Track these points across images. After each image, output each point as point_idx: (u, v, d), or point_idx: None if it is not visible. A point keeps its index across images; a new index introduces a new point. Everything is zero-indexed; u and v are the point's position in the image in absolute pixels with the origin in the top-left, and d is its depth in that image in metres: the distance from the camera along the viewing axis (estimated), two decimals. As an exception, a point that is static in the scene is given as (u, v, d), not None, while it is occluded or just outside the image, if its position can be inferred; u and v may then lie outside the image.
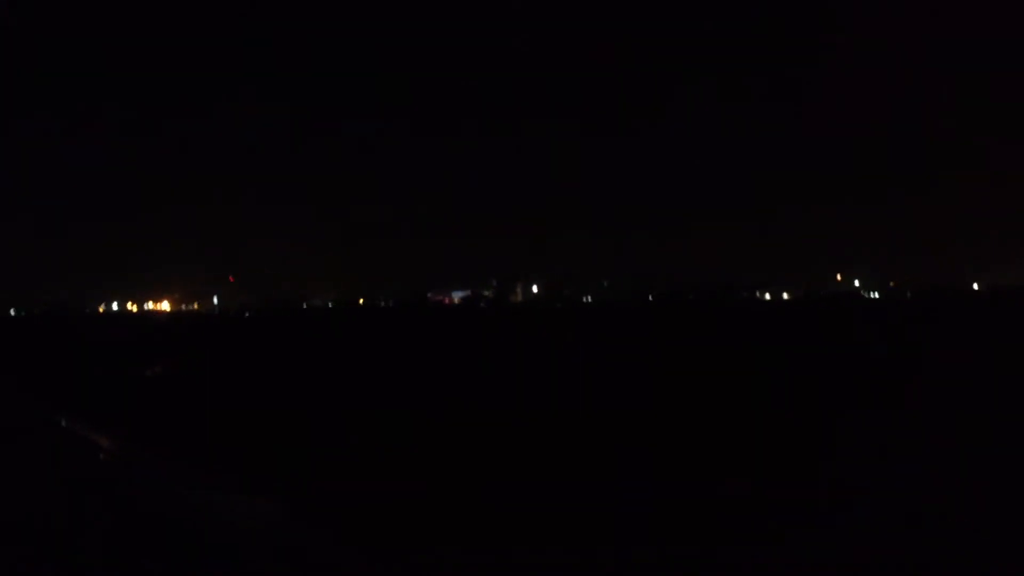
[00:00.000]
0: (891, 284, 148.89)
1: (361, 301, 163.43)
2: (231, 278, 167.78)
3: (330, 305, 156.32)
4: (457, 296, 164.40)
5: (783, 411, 16.13)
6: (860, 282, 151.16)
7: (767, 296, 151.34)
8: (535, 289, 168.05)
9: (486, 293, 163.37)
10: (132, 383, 24.97)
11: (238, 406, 18.66)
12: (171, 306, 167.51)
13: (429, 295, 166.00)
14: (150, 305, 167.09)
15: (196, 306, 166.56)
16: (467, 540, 7.96)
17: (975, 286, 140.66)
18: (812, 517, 8.42)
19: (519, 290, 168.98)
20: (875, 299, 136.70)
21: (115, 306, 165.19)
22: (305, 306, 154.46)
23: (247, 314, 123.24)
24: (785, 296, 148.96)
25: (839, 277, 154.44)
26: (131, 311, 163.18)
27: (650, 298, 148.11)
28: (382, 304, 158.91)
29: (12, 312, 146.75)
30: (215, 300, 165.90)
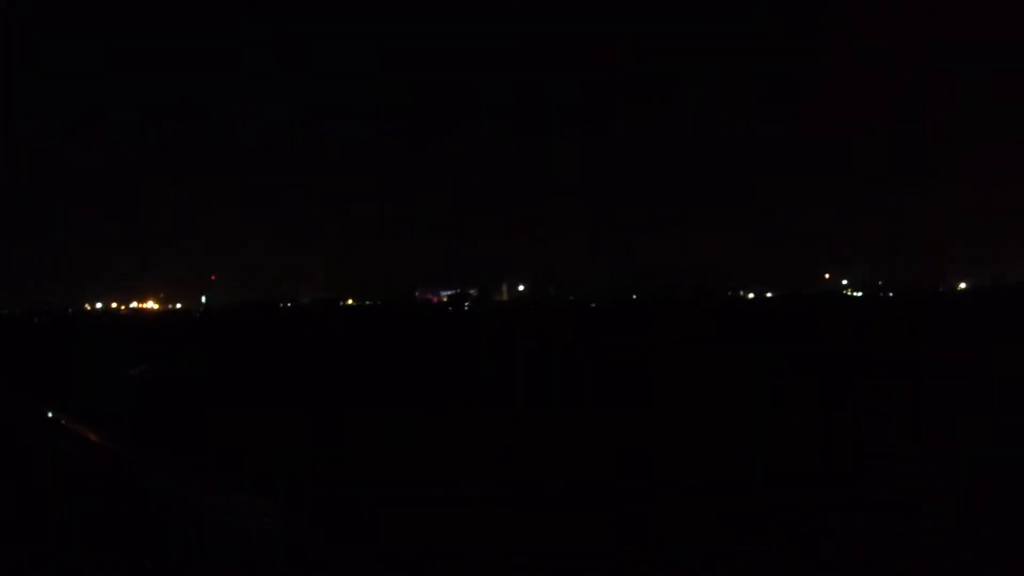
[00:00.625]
0: (879, 283, 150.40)
1: (351, 300, 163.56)
2: (213, 277, 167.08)
3: (305, 302, 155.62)
4: (444, 295, 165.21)
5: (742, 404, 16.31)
6: (848, 281, 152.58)
7: (751, 295, 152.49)
8: (521, 288, 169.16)
9: (472, 292, 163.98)
10: (127, 382, 24.78)
11: (234, 405, 18.57)
12: (158, 305, 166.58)
13: (417, 293, 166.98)
14: (134, 304, 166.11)
15: (180, 305, 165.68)
16: (467, 540, 7.97)
17: (962, 285, 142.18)
18: (812, 517, 8.47)
19: (505, 288, 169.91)
20: (855, 297, 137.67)
21: (99, 305, 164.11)
22: (290, 304, 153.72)
23: (230, 312, 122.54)
24: (769, 295, 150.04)
25: (827, 276, 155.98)
26: (120, 310, 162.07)
27: (634, 297, 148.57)
28: (367, 303, 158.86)
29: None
30: (203, 299, 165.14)
